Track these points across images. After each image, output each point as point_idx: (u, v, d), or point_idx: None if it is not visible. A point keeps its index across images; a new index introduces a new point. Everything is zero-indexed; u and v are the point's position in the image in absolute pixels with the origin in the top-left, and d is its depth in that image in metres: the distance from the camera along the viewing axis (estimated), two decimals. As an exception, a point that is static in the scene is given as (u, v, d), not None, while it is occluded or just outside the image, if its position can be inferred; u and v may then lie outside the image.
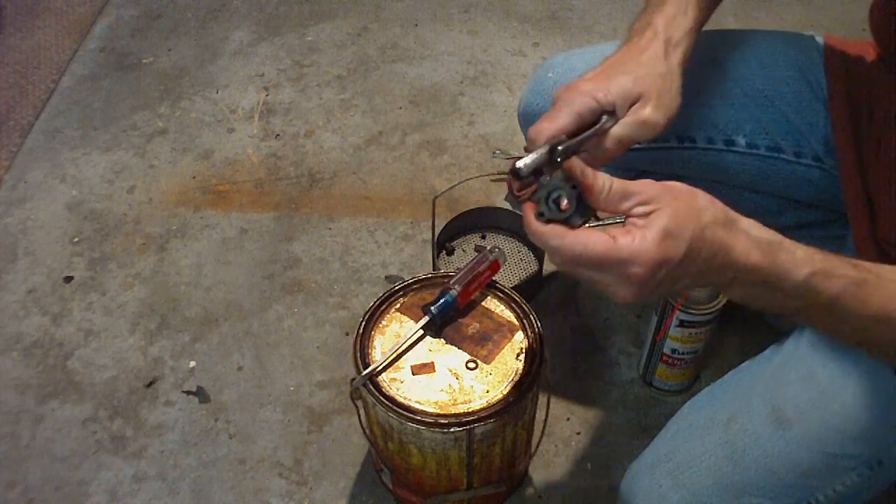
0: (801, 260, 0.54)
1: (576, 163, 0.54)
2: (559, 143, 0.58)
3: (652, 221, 0.52)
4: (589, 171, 0.54)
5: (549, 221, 0.55)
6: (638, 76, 0.65)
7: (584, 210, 0.55)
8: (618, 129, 0.64)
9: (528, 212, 0.56)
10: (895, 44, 0.75)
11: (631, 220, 0.53)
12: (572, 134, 0.64)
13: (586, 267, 0.53)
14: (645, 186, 0.53)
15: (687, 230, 0.52)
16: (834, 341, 0.69)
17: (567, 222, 0.54)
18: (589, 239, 0.52)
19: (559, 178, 0.55)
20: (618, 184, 0.53)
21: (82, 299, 1.26)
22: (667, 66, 0.67)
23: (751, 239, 0.54)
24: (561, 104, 0.63)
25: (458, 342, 0.88)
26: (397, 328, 0.89)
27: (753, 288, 0.55)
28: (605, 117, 0.64)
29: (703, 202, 0.54)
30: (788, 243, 0.55)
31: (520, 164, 0.56)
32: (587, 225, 0.55)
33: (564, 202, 0.54)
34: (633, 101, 0.64)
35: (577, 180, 0.54)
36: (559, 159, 0.57)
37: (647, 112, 0.64)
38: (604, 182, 0.53)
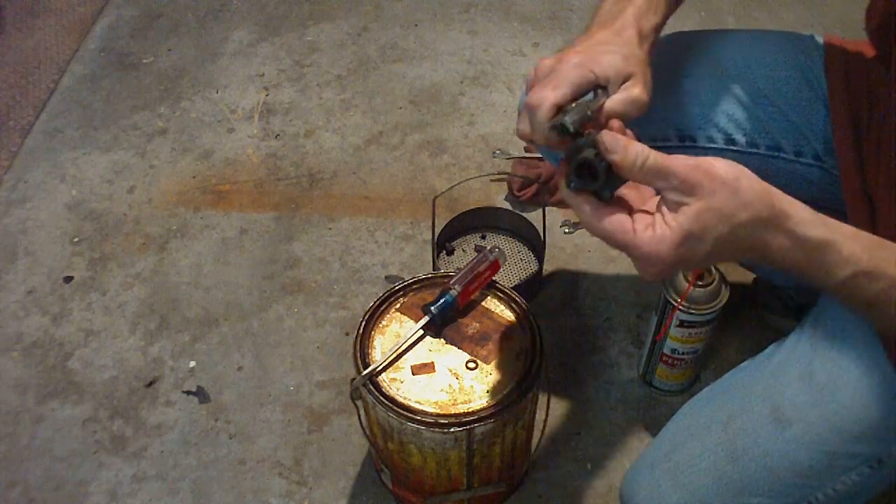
0: (845, 260, 0.54)
1: (604, 137, 0.52)
2: (589, 108, 0.57)
3: (677, 219, 0.51)
4: (618, 146, 0.52)
5: (579, 190, 0.54)
6: (626, 55, 0.64)
7: (615, 181, 0.53)
8: (611, 105, 0.63)
9: (562, 176, 0.55)
10: (894, 46, 0.75)
11: (661, 205, 0.52)
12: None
13: (606, 243, 0.55)
14: (685, 169, 0.51)
15: (713, 232, 0.51)
16: (846, 335, 0.69)
17: (597, 193, 0.54)
18: (610, 226, 0.53)
19: (589, 147, 0.53)
20: (654, 159, 0.51)
21: (82, 299, 1.26)
22: (642, 54, 0.67)
23: (795, 239, 0.53)
24: (559, 74, 0.61)
25: (458, 342, 0.88)
26: (397, 328, 0.89)
27: (790, 276, 0.56)
28: (599, 91, 0.63)
29: (747, 195, 0.51)
30: (840, 241, 0.54)
31: (566, 120, 0.55)
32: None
33: (594, 174, 0.53)
34: (625, 79, 0.64)
35: (604, 156, 0.52)
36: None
37: (637, 90, 0.64)
38: (636, 156, 0.51)
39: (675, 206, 0.51)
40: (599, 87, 0.63)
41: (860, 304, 0.57)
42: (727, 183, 0.51)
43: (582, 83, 0.62)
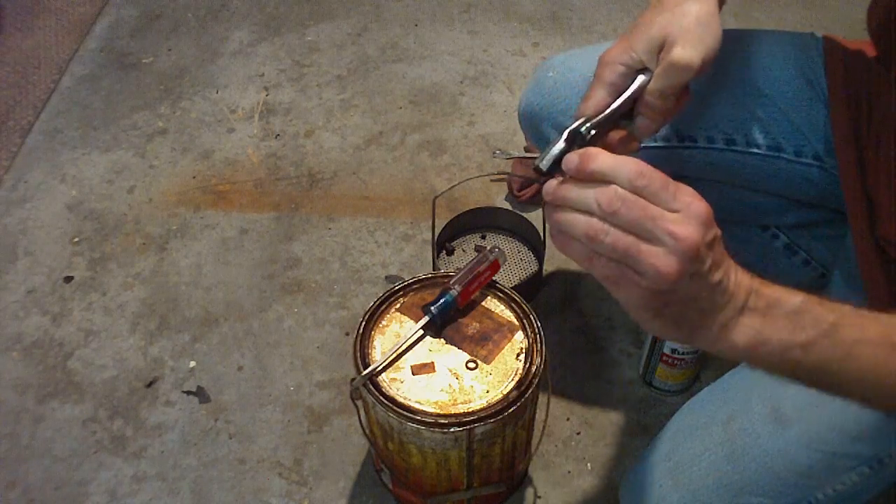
0: (788, 290, 0.51)
1: (569, 158, 0.50)
2: (581, 126, 0.57)
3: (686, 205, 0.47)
4: (572, 169, 0.49)
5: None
6: (661, 24, 0.62)
7: None
8: (653, 83, 0.61)
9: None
10: (895, 46, 0.75)
11: None
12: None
13: (634, 211, 0.46)
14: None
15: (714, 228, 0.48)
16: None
17: None
18: (643, 164, 0.46)
19: None
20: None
21: (82, 299, 1.26)
22: (697, 7, 0.64)
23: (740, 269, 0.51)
24: (593, 81, 0.61)
25: (458, 342, 0.88)
26: (397, 328, 0.89)
27: (757, 321, 0.50)
28: (640, 77, 0.62)
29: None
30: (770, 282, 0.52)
31: (540, 163, 0.54)
32: None
33: None
34: (660, 50, 0.62)
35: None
36: (589, 138, 0.56)
37: (675, 52, 0.61)
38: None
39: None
40: (640, 72, 0.63)
41: (824, 340, 0.52)
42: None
43: (616, 81, 0.61)
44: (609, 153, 0.47)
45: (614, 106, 0.62)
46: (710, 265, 0.47)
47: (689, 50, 0.62)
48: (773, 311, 0.50)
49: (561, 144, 0.54)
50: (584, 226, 0.47)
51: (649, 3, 0.69)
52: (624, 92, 0.63)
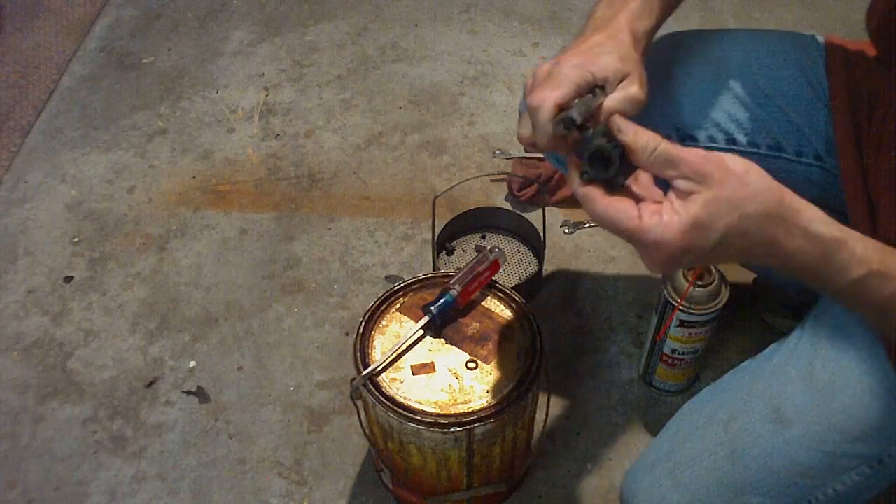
0: (858, 260, 0.54)
1: (616, 120, 0.54)
2: (591, 103, 0.58)
3: (686, 206, 0.51)
4: (630, 128, 0.53)
5: (592, 180, 0.55)
6: (622, 56, 0.65)
7: (628, 168, 0.54)
8: (610, 103, 0.63)
9: (573, 169, 0.56)
10: (895, 46, 0.75)
11: (670, 193, 0.53)
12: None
13: (615, 234, 0.54)
14: (695, 158, 0.52)
15: (722, 220, 0.51)
16: (851, 336, 0.69)
17: (611, 181, 0.54)
18: (618, 214, 0.53)
19: (601, 136, 0.54)
20: (664, 148, 0.52)
21: (82, 299, 1.26)
22: (637, 55, 0.67)
23: (808, 236, 0.53)
24: (559, 75, 0.62)
25: (458, 342, 0.88)
26: (397, 328, 0.89)
27: (802, 276, 0.55)
28: (597, 91, 0.64)
29: (756, 187, 0.52)
30: (853, 240, 0.54)
31: (573, 113, 0.56)
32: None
33: (608, 161, 0.54)
34: (622, 79, 0.64)
35: (615, 138, 0.54)
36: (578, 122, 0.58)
37: (635, 89, 0.64)
38: (647, 142, 0.53)
39: (684, 195, 0.52)
40: (598, 87, 0.64)
41: (872, 308, 0.57)
42: (737, 174, 0.52)
43: (581, 83, 0.62)
44: (600, 202, 0.54)
45: (594, 104, 0.63)
46: (695, 262, 0.55)
47: (644, 90, 0.65)
48: (821, 278, 0.55)
49: (591, 103, 0.59)
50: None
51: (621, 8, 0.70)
52: (579, 97, 0.63)
